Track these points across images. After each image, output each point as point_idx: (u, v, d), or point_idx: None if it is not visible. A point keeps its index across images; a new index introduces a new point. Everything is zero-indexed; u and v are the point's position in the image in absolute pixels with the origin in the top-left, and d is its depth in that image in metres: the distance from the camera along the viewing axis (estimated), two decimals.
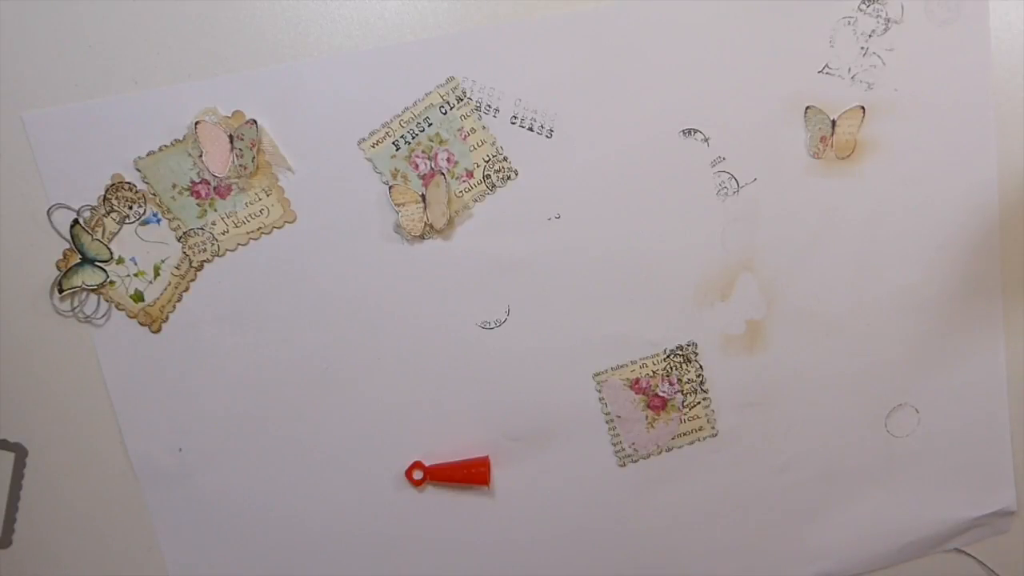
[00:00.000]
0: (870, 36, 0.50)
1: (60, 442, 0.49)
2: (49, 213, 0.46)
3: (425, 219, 0.48)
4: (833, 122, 0.51)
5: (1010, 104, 0.52)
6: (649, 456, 0.53)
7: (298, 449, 0.50)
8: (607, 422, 0.52)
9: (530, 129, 0.48)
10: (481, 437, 0.52)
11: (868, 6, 0.49)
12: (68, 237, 0.47)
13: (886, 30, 0.50)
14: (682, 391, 0.52)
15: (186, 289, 0.48)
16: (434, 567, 0.53)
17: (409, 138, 0.47)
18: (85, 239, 0.47)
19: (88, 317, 0.48)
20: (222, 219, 0.47)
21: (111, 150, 0.46)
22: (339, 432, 0.51)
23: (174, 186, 0.47)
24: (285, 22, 0.46)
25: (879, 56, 0.50)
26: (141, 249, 0.47)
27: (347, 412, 0.50)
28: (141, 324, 0.48)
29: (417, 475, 0.51)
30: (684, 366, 0.52)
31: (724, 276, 0.51)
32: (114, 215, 0.47)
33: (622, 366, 0.52)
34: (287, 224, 0.48)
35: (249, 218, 0.48)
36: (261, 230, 0.48)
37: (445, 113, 0.47)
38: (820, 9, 0.49)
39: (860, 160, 0.51)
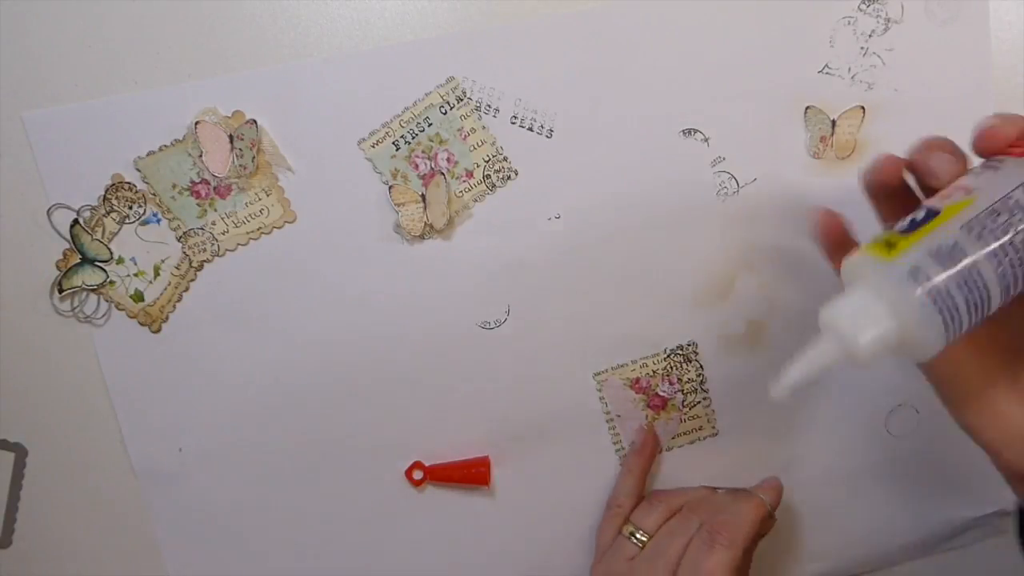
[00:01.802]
0: (870, 36, 0.50)
1: (60, 442, 0.49)
2: (49, 213, 0.46)
3: (425, 219, 0.48)
4: (833, 122, 0.51)
5: (1010, 104, 0.52)
6: None
7: (298, 449, 0.50)
8: (607, 422, 0.52)
9: (530, 129, 0.48)
10: (481, 437, 0.52)
11: (868, 6, 0.49)
12: (68, 237, 0.47)
13: (886, 30, 0.50)
14: (682, 391, 0.52)
15: (186, 289, 0.48)
16: (434, 567, 0.53)
17: (409, 138, 0.48)
18: (85, 239, 0.47)
19: (88, 317, 0.48)
20: (222, 219, 0.47)
21: (111, 150, 0.46)
22: (339, 432, 0.51)
23: (174, 186, 0.47)
24: (285, 22, 0.46)
25: (879, 56, 0.50)
26: (141, 249, 0.47)
27: (347, 412, 0.50)
28: (141, 324, 0.48)
29: (417, 475, 0.51)
30: (684, 365, 0.52)
31: (724, 276, 0.51)
32: (114, 215, 0.47)
33: (622, 365, 0.52)
34: (287, 224, 0.48)
35: (249, 218, 0.48)
36: (261, 230, 0.48)
37: (445, 113, 0.47)
38: (820, 9, 0.49)
39: (860, 160, 0.51)
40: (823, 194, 0.51)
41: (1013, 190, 0.30)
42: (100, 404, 0.49)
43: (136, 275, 0.48)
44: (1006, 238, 0.30)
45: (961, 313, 0.30)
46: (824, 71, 0.50)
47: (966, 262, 0.30)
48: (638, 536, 0.48)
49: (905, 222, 0.32)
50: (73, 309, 0.48)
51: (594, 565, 0.50)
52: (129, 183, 0.47)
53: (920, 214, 0.31)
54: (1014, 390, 0.35)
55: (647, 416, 0.52)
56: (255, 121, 0.46)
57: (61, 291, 0.47)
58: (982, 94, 0.52)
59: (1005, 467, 0.37)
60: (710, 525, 0.46)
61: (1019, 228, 0.30)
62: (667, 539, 0.47)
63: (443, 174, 0.48)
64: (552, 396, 0.52)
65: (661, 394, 0.52)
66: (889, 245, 0.31)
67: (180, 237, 0.48)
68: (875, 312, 0.30)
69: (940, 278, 0.30)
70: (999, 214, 0.30)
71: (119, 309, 0.48)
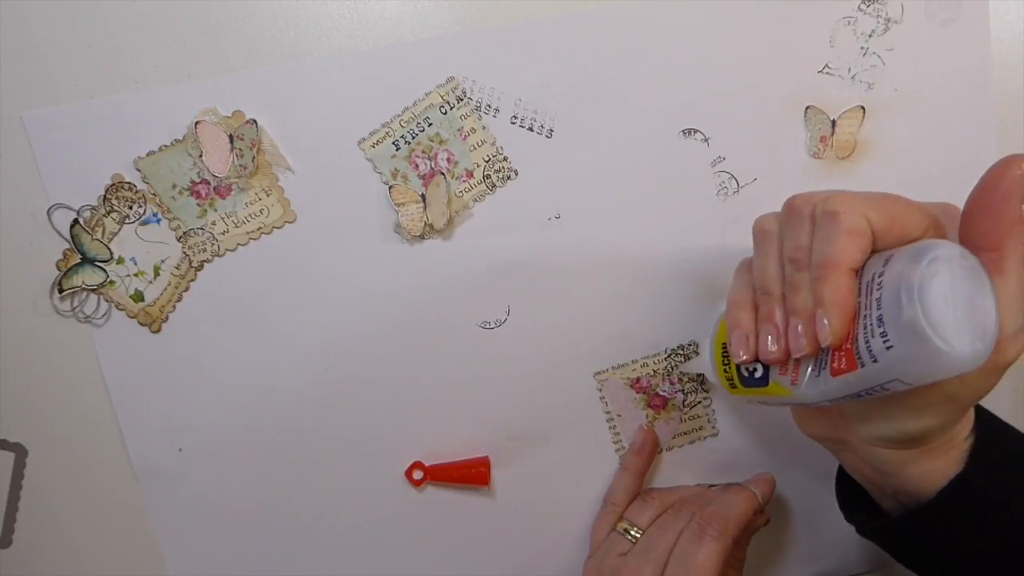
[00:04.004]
0: (870, 36, 0.50)
1: (60, 442, 0.49)
2: (49, 213, 0.46)
3: (425, 219, 0.48)
4: (833, 122, 0.51)
5: (1010, 104, 0.52)
6: None
7: (298, 449, 0.51)
8: (607, 421, 0.52)
9: (530, 129, 0.48)
10: (481, 437, 0.52)
11: (868, 6, 0.49)
12: (68, 237, 0.47)
13: (886, 30, 0.50)
14: (683, 390, 0.52)
15: (186, 289, 0.48)
16: (434, 567, 0.53)
17: (409, 138, 0.48)
18: (85, 239, 0.47)
19: (88, 317, 0.48)
20: (222, 219, 0.47)
21: (111, 150, 0.46)
22: (339, 432, 0.51)
23: (174, 186, 0.47)
24: (285, 22, 0.46)
25: (879, 56, 0.50)
26: (141, 249, 0.47)
27: (347, 412, 0.50)
28: (141, 324, 0.48)
29: (417, 475, 0.51)
30: (685, 365, 0.52)
31: (724, 276, 0.51)
32: (114, 215, 0.47)
33: (623, 365, 0.52)
34: (287, 224, 0.48)
35: (249, 218, 0.48)
36: (261, 230, 0.48)
37: (445, 113, 0.47)
38: (820, 9, 0.49)
39: (860, 160, 0.51)
40: None
41: (820, 402, 0.37)
42: (100, 404, 0.49)
43: (136, 275, 0.48)
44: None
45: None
46: (824, 71, 0.50)
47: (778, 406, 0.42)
48: (632, 533, 0.48)
49: (745, 372, 0.41)
50: (73, 309, 0.48)
51: (586, 561, 0.50)
52: (129, 183, 0.47)
53: (757, 373, 0.41)
54: None
55: (647, 416, 0.52)
56: (255, 121, 0.46)
57: (61, 291, 0.47)
58: (982, 94, 0.52)
59: (825, 441, 0.43)
60: (700, 517, 0.46)
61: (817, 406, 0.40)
62: (658, 533, 0.47)
63: (443, 174, 0.48)
64: (552, 396, 0.52)
65: (662, 394, 0.52)
66: (731, 384, 0.43)
67: (180, 237, 0.48)
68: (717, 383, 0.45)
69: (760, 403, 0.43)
70: (803, 404, 0.39)
71: (119, 309, 0.48)
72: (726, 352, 0.43)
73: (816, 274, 0.35)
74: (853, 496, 0.45)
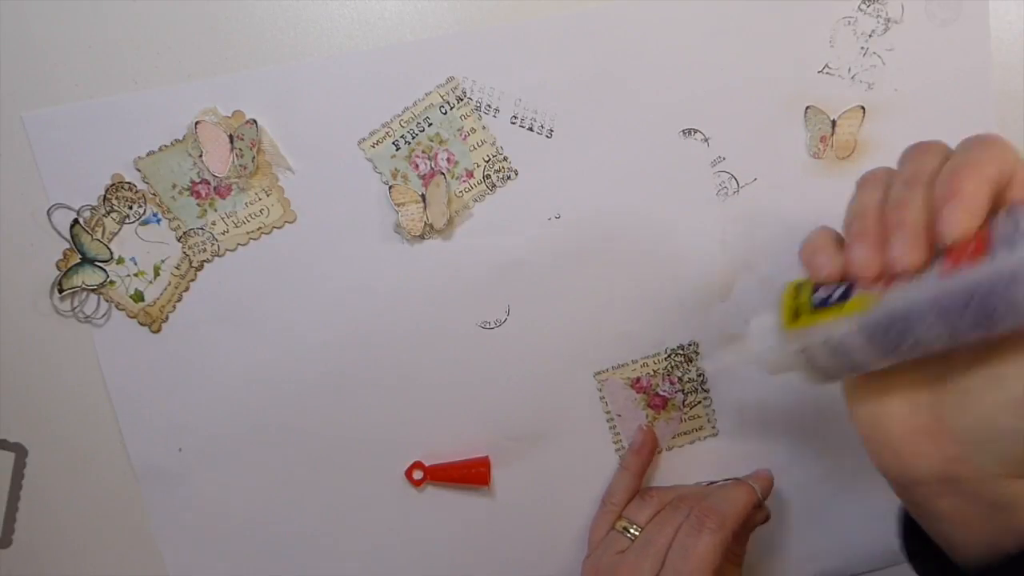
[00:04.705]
0: (870, 36, 0.50)
1: (60, 442, 0.49)
2: (49, 213, 0.46)
3: (425, 219, 0.48)
4: (833, 122, 0.51)
5: (1010, 104, 0.52)
6: None
7: (298, 449, 0.50)
8: (607, 421, 0.52)
9: (530, 129, 0.48)
10: (481, 437, 0.52)
11: (868, 6, 0.50)
12: (68, 237, 0.47)
13: (886, 30, 0.50)
14: (683, 390, 0.52)
15: (186, 289, 0.48)
16: (434, 567, 0.53)
17: (409, 138, 0.48)
18: (85, 239, 0.47)
19: (88, 317, 0.48)
20: (222, 219, 0.47)
21: (111, 150, 0.46)
22: (339, 432, 0.51)
23: (174, 186, 0.47)
24: (285, 22, 0.46)
25: (879, 56, 0.50)
26: (141, 249, 0.47)
27: (347, 412, 0.50)
28: (141, 324, 0.48)
29: (417, 475, 0.51)
30: (685, 365, 0.52)
31: (724, 276, 0.51)
32: (114, 215, 0.47)
33: (623, 365, 0.52)
34: (287, 224, 0.48)
35: (249, 218, 0.48)
36: (261, 230, 0.48)
37: (445, 113, 0.48)
38: (820, 9, 0.49)
39: (860, 160, 0.51)
40: (823, 194, 0.51)
41: (907, 315, 0.31)
42: (100, 404, 0.49)
43: (136, 275, 0.48)
44: (888, 349, 0.32)
45: (835, 378, 0.36)
46: (824, 71, 0.50)
47: (848, 357, 0.33)
48: (631, 531, 0.48)
49: (821, 295, 0.34)
50: (73, 309, 0.48)
51: (585, 560, 0.50)
52: (129, 183, 0.47)
53: (837, 293, 0.34)
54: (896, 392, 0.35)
55: (647, 416, 0.52)
56: (255, 121, 0.46)
57: (61, 291, 0.47)
58: (982, 94, 0.52)
59: (883, 468, 0.38)
60: (698, 511, 0.46)
61: (905, 343, 0.32)
62: (656, 529, 0.47)
63: (443, 174, 0.48)
64: (552, 396, 0.52)
65: (662, 394, 0.52)
66: (795, 315, 0.35)
67: (180, 237, 0.48)
68: (773, 356, 0.37)
69: (821, 361, 0.34)
70: (892, 325, 0.32)
71: (119, 309, 0.48)
72: (798, 289, 0.37)
73: (947, 177, 0.30)
74: (923, 548, 0.39)
